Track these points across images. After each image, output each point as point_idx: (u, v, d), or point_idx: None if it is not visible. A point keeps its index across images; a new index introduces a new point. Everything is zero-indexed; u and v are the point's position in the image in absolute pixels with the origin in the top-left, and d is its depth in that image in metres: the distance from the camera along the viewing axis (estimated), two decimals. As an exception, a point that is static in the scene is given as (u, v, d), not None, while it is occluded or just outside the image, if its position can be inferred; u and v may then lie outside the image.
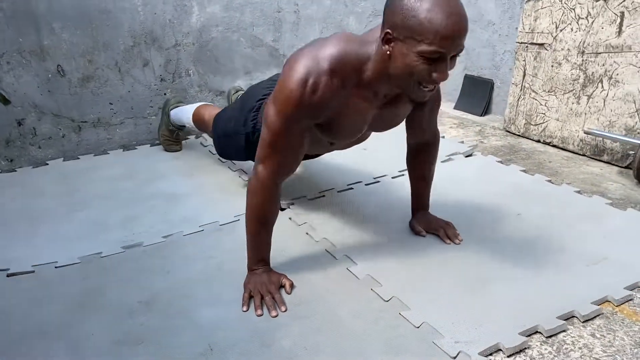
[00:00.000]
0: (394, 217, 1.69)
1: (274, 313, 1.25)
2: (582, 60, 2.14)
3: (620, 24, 1.99)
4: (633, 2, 1.93)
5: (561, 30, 2.20)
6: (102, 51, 2.26)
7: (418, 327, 1.18)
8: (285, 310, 1.26)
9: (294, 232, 1.63)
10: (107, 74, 2.31)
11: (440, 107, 3.00)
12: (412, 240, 1.55)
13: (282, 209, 1.77)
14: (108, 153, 2.37)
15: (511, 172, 2.03)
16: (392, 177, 2.00)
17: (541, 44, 2.29)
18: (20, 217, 1.76)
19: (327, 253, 1.50)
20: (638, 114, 1.97)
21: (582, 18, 2.12)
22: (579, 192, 1.83)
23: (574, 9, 2.14)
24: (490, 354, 1.10)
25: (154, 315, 1.26)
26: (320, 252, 1.51)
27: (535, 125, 2.37)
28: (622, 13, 1.98)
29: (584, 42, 2.12)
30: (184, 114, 2.15)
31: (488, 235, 1.56)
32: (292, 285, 1.34)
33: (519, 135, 2.46)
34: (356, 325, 1.20)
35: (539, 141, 2.37)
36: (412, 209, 1.64)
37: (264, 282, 1.32)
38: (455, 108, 2.97)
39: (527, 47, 2.36)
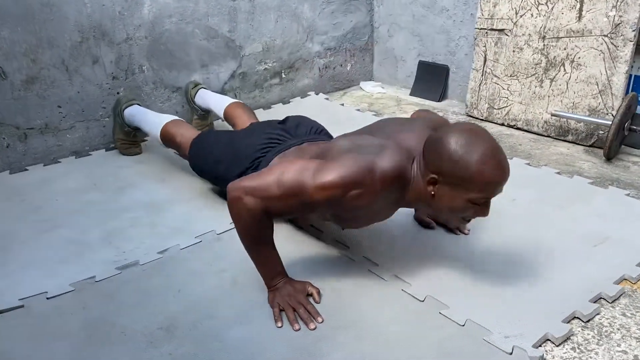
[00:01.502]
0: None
1: (312, 326, 1.18)
2: (544, 44, 2.22)
3: (580, 9, 2.08)
4: (592, -12, 2.02)
5: (521, 16, 2.27)
6: (47, 49, 2.03)
7: (463, 326, 1.17)
8: (322, 321, 1.20)
9: (299, 237, 1.56)
10: (54, 74, 2.07)
11: (397, 94, 3.01)
12: (422, 234, 1.54)
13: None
14: (59, 161, 2.14)
15: (489, 157, 2.07)
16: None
17: (501, 30, 2.35)
18: (-20, 243, 1.55)
19: (342, 256, 1.45)
20: (601, 95, 2.08)
21: (542, 4, 2.19)
22: (558, 173, 1.90)
23: (533, -5, 2.21)
24: (540, 345, 1.12)
25: (180, 342, 1.15)
26: (334, 255, 1.46)
27: (499, 109, 2.44)
28: (582, -1, 2.07)
29: (545, 27, 2.20)
30: (148, 125, 1.98)
31: (492, 223, 1.58)
32: (319, 293, 1.28)
33: (482, 120, 2.52)
34: (401, 330, 1.17)
35: (503, 124, 2.44)
36: None
37: (291, 294, 1.25)
38: (411, 94, 2.99)
39: (486, 33, 2.41)
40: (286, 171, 1.17)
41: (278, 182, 1.16)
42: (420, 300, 1.25)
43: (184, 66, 2.43)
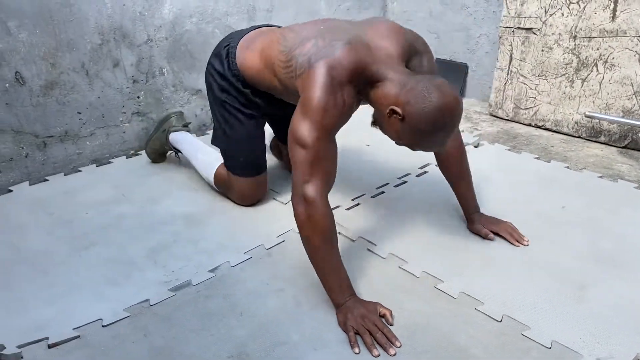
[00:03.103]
0: (443, 219, 1.63)
1: (392, 351, 1.13)
2: (575, 44, 2.19)
3: (614, 10, 2.05)
4: (627, -12, 1.99)
5: (551, 15, 2.23)
6: (67, 52, 1.92)
7: (550, 348, 1.13)
8: (401, 346, 1.15)
9: (353, 250, 1.50)
10: (74, 79, 1.97)
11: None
12: (481, 245, 1.50)
13: (325, 223, 1.63)
14: (80, 170, 2.05)
15: (526, 160, 2.04)
16: (417, 176, 1.93)
17: (529, 29, 2.32)
18: (16, 264, 1.45)
19: (403, 271, 1.40)
20: (636, 97, 2.06)
21: (574, 3, 2.16)
22: (601, 177, 1.88)
23: (564, -6, 2.18)
24: (632, 367, 1.09)
25: (255, 372, 1.10)
26: (394, 270, 1.41)
27: (526, 109, 2.41)
28: (616, -1, 2.04)
29: (576, 26, 2.17)
30: (196, 163, 1.85)
31: (547, 231, 1.55)
32: (392, 314, 1.23)
33: (508, 120, 2.49)
34: (485, 354, 1.12)
35: (530, 125, 2.41)
36: (465, 213, 1.59)
37: (365, 316, 1.19)
38: (427, 92, 2.95)
39: (513, 31, 2.37)
40: (297, 138, 1.21)
41: (303, 149, 1.20)
42: (498, 321, 1.21)
43: (204, 68, 2.33)
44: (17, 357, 1.11)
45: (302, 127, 1.20)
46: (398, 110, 1.18)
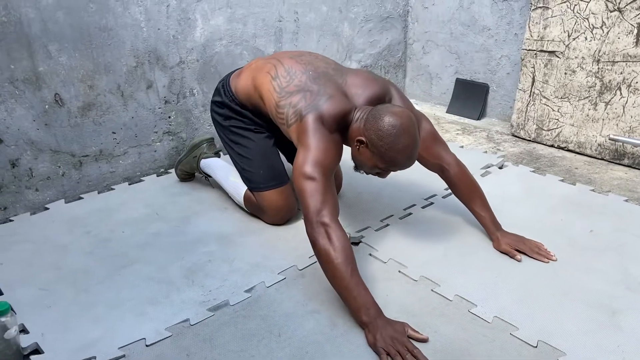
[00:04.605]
0: (471, 239, 1.67)
1: (423, 373, 1.17)
2: (598, 68, 2.22)
3: (638, 35, 2.09)
4: (651, 13, 2.03)
5: (574, 39, 2.27)
6: (104, 74, 1.99)
7: (585, 373, 1.15)
8: (434, 369, 1.18)
9: (384, 272, 1.53)
10: (110, 100, 2.03)
11: (433, 111, 2.99)
12: (511, 267, 1.53)
13: (356, 243, 1.67)
14: (113, 189, 2.10)
15: (551, 182, 2.07)
16: (443, 197, 1.96)
17: (552, 52, 2.35)
18: (58, 283, 1.50)
19: (436, 294, 1.43)
20: (660, 120, 2.09)
21: (597, 27, 2.19)
22: (627, 200, 1.90)
23: (587, 19, 2.21)
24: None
25: (297, 394, 1.13)
26: (426, 293, 1.44)
27: (548, 130, 2.44)
28: (639, 24, 2.07)
29: (600, 50, 2.20)
30: (232, 189, 1.87)
31: (577, 254, 1.57)
32: (425, 340, 1.25)
33: (530, 141, 2.52)
34: (522, 378, 1.15)
35: (552, 146, 2.44)
36: (487, 231, 1.64)
37: (394, 337, 1.22)
38: (448, 112, 2.99)
39: (535, 54, 2.41)
40: (303, 174, 1.36)
41: (310, 181, 1.35)
42: (533, 346, 1.23)
43: (232, 88, 2.40)
44: (67, 376, 1.15)
45: (308, 165, 1.37)
46: (362, 138, 1.40)
